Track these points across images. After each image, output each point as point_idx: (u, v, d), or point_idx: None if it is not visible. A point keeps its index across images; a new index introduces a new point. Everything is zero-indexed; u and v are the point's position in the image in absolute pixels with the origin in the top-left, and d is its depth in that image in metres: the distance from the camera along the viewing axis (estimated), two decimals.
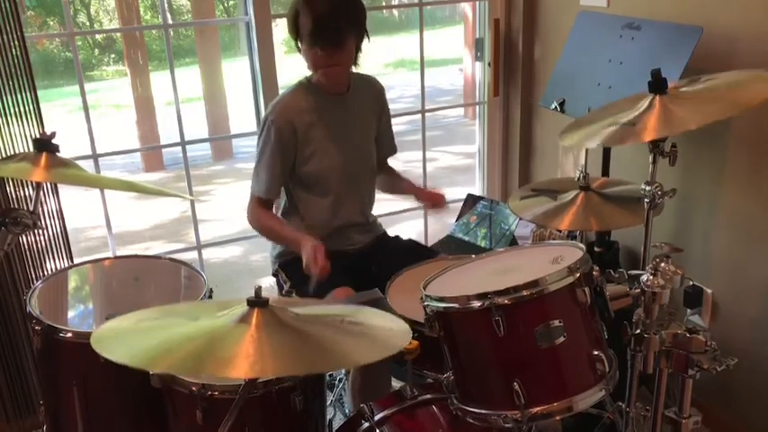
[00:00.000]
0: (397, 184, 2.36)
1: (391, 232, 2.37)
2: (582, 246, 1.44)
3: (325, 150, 2.10)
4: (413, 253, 2.18)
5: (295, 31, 2.00)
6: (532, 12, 2.99)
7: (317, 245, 1.92)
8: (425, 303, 1.43)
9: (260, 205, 2.13)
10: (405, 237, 2.35)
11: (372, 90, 2.23)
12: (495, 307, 1.30)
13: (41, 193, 2.31)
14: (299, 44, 2.02)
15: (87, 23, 12.32)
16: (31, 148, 1.74)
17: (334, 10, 1.92)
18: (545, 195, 2.02)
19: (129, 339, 1.17)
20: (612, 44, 2.34)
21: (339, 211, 2.17)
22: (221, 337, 1.10)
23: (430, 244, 2.98)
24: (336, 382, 2.35)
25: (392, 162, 2.38)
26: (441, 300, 1.39)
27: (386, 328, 1.27)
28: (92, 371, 1.66)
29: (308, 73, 2.10)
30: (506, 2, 3.04)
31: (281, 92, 2.22)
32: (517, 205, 2.02)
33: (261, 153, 2.09)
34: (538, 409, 1.31)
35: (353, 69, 2.13)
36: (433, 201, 2.28)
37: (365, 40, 2.06)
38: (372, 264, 2.20)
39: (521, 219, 1.98)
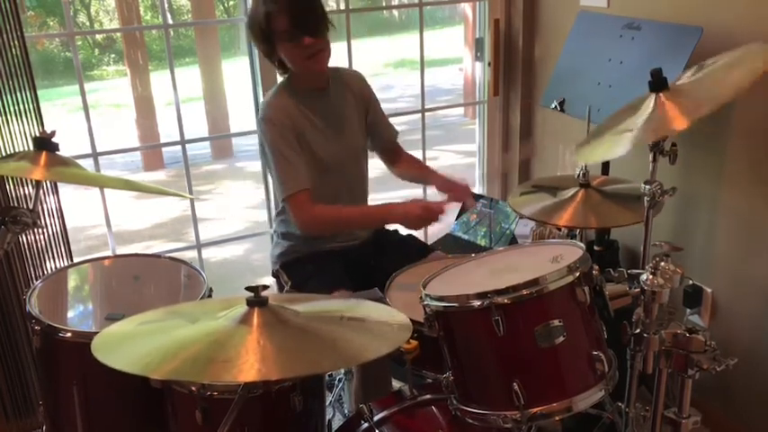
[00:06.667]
0: (422, 175, 2.33)
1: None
2: (581, 245, 1.44)
3: (313, 145, 2.09)
4: (410, 248, 2.19)
5: (267, 37, 1.99)
6: (532, 12, 2.98)
7: (415, 202, 1.93)
8: (425, 303, 1.42)
9: (308, 201, 2.01)
10: (403, 233, 2.35)
11: (350, 80, 2.22)
12: (495, 306, 1.30)
13: (41, 191, 2.31)
14: (276, 49, 2.01)
15: (87, 23, 12.32)
16: (31, 147, 1.73)
17: (309, 1, 1.97)
18: (545, 192, 2.02)
19: (129, 345, 1.16)
20: (612, 44, 2.34)
21: (336, 203, 2.16)
22: (222, 340, 1.10)
23: (429, 242, 2.97)
24: (336, 382, 2.35)
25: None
26: (440, 299, 1.39)
27: (386, 323, 1.26)
28: (91, 371, 1.65)
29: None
30: (506, 2, 3.04)
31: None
32: (517, 201, 2.02)
33: (275, 152, 2.02)
34: (537, 409, 1.31)
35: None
36: (454, 193, 2.12)
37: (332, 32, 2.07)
38: (371, 258, 2.20)
39: (520, 216, 1.97)
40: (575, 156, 1.77)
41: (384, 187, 2.52)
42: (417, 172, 2.33)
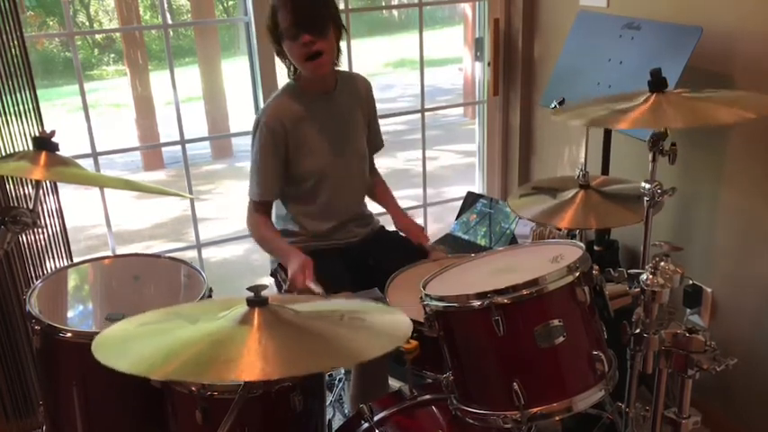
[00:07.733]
0: (382, 201, 2.40)
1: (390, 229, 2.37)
2: (581, 244, 1.44)
3: (316, 147, 2.11)
4: (410, 248, 2.20)
5: (275, 35, 2.02)
6: (532, 12, 2.98)
7: (306, 261, 1.97)
8: (425, 303, 1.43)
9: (257, 210, 2.15)
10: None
11: (359, 86, 2.25)
12: (495, 306, 1.30)
13: (41, 191, 2.31)
14: (282, 45, 2.03)
15: (87, 23, 12.32)
16: (31, 147, 1.73)
17: (313, 0, 1.98)
18: (545, 194, 2.02)
19: (129, 346, 1.16)
20: (612, 44, 2.34)
21: (336, 206, 2.18)
22: (224, 340, 1.10)
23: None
24: (336, 382, 2.35)
25: (390, 161, 2.37)
26: (440, 299, 1.39)
27: (387, 321, 1.26)
28: (91, 371, 1.64)
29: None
30: (506, 2, 3.04)
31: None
32: (517, 203, 2.02)
33: (255, 156, 2.12)
34: (537, 409, 1.31)
35: (338, 68, 2.17)
36: (411, 235, 2.27)
37: (343, 36, 2.08)
38: (370, 257, 2.21)
39: (520, 217, 1.97)
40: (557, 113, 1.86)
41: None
42: (381, 198, 2.41)
